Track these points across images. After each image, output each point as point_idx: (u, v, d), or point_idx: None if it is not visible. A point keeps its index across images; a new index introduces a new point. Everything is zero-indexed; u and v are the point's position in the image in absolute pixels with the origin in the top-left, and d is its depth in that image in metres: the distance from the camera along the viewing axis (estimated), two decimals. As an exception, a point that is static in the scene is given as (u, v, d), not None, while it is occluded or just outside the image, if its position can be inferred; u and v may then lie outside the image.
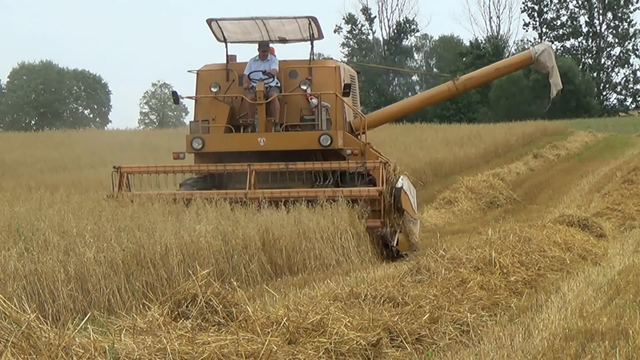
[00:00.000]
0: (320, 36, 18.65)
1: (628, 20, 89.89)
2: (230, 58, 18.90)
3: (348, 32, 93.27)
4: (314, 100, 18.00)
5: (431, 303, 9.07)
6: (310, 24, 18.15)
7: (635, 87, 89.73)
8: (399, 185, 16.95)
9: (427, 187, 30.42)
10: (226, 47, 18.72)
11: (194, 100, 18.71)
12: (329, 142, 17.57)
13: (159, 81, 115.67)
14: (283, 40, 19.15)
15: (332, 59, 19.44)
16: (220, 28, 18.54)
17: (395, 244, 17.08)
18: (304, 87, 17.98)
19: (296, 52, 39.94)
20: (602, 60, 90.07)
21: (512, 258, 11.93)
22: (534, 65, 21.07)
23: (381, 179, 16.90)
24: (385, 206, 16.75)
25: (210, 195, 16.45)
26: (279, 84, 18.09)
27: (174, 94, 19.42)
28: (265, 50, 18.31)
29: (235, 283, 9.46)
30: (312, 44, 18.50)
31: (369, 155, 18.35)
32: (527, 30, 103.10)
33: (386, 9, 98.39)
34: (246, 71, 18.14)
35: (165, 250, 11.95)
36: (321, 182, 17.68)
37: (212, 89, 18.12)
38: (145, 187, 17.87)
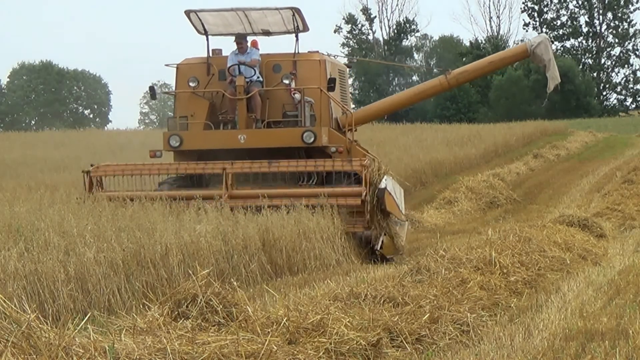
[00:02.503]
0: (305, 28, 17.83)
1: (628, 20, 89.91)
2: (217, 52, 18.19)
3: (348, 32, 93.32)
4: (297, 95, 17.36)
5: (431, 303, 9.07)
6: (294, 15, 17.36)
7: (635, 87, 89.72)
8: (382, 185, 16.12)
9: (427, 187, 30.43)
10: (207, 40, 17.89)
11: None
12: (313, 139, 16.79)
13: (159, 81, 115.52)
14: (267, 33, 18.40)
15: (317, 52, 18.65)
16: (200, 20, 17.72)
17: (379, 248, 16.38)
18: (287, 82, 17.24)
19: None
20: (602, 60, 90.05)
21: (512, 258, 11.93)
22: (530, 59, 20.27)
23: (364, 181, 16.06)
24: (370, 210, 15.99)
25: (189, 195, 15.91)
26: (260, 78, 17.36)
27: (151, 89, 18.64)
28: (241, 42, 17.48)
29: (235, 283, 9.46)
30: (296, 36, 17.73)
31: (355, 153, 17.62)
32: (527, 30, 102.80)
33: (386, 9, 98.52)
34: (228, 65, 17.34)
35: (165, 250, 11.95)
36: (305, 181, 17.06)
37: (190, 84, 17.39)
38: (124, 185, 17.19)
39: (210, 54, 18.11)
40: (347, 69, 20.10)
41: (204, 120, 17.41)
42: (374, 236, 16.32)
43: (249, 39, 17.96)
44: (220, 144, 17.17)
